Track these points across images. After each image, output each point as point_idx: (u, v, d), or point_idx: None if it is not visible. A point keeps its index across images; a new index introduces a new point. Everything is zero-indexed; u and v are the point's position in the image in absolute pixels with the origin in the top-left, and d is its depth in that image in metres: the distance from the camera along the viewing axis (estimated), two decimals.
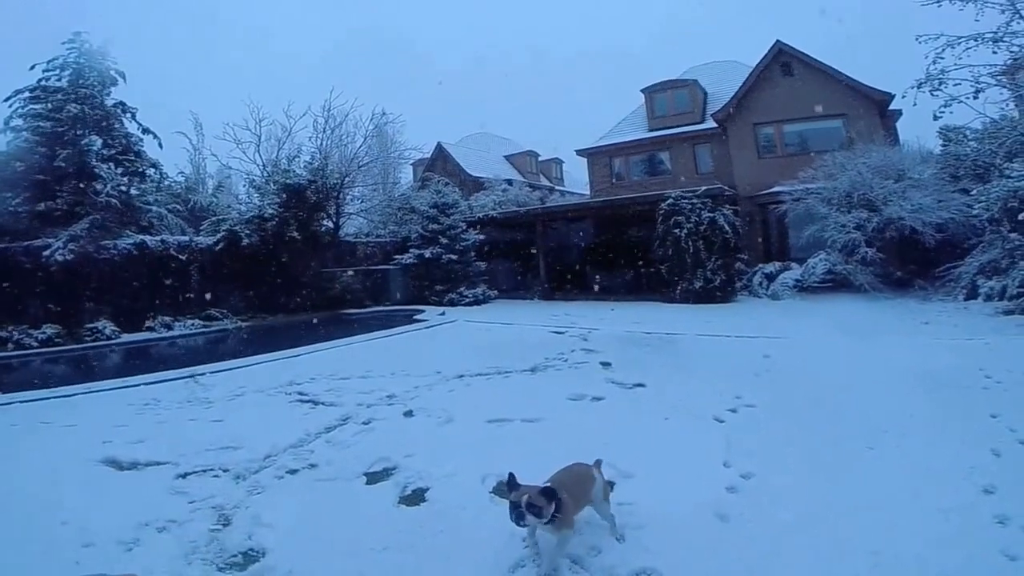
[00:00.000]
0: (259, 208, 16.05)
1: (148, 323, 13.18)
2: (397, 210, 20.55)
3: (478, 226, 18.34)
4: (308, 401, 5.91)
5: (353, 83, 50.83)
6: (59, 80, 14.99)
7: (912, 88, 10.58)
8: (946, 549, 2.69)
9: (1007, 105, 11.62)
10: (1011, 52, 10.49)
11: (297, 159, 18.76)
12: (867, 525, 2.93)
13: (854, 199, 13.62)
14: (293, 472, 4.01)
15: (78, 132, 14.27)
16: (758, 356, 7.20)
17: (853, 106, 16.75)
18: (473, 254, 17.70)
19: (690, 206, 14.23)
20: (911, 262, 13.69)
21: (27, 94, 14.76)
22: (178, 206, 18.70)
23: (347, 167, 19.86)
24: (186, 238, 15.72)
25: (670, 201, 14.53)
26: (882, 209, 13.09)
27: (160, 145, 17.05)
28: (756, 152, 18.55)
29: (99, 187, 13.93)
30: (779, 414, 4.84)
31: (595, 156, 23.04)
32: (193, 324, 13.70)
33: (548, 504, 2.54)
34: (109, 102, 15.78)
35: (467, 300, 16.30)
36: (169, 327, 13.29)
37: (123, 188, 14.84)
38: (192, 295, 14.56)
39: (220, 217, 16.59)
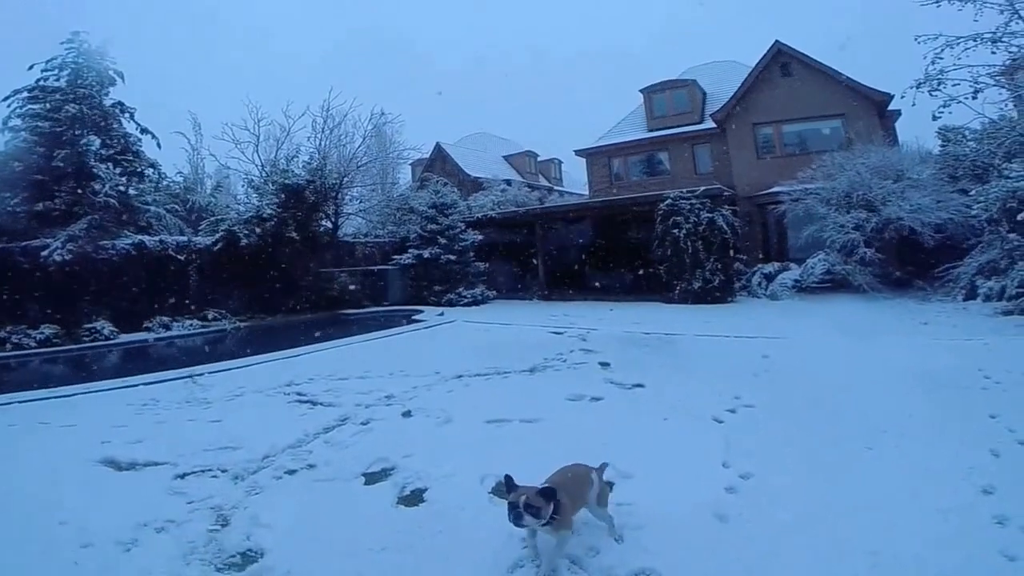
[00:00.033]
0: (257, 208, 16.02)
1: (146, 323, 13.16)
2: (396, 210, 20.54)
3: (477, 226, 18.32)
4: (307, 401, 5.91)
5: (353, 83, 50.82)
6: (58, 80, 14.97)
7: (911, 88, 10.61)
8: (945, 549, 2.69)
9: (1006, 105, 11.64)
10: (1010, 52, 10.51)
11: (296, 159, 18.74)
12: (866, 525, 2.93)
13: (853, 199, 13.63)
14: (291, 472, 4.00)
15: (76, 132, 14.26)
16: (757, 356, 7.20)
17: (852, 106, 16.79)
18: (472, 254, 17.68)
19: (689, 206, 14.23)
20: (910, 262, 13.71)
21: (25, 94, 14.74)
22: (176, 206, 18.70)
23: (346, 167, 19.83)
24: (184, 238, 15.70)
25: (669, 201, 14.54)
26: (881, 209, 13.10)
27: (158, 145, 17.06)
28: (755, 152, 18.58)
29: (97, 187, 13.91)
30: (778, 414, 4.84)
31: (594, 156, 23.05)
32: (191, 324, 13.68)
33: (546, 505, 2.54)
34: (108, 102, 15.76)
35: (466, 300, 16.29)
36: (167, 327, 13.27)
37: (121, 188, 14.82)
38: (190, 295, 14.54)
39: (218, 217, 16.58)
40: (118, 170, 14.96)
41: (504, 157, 33.10)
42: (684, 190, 14.95)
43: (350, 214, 21.14)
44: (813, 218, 14.09)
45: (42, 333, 11.62)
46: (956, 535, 2.82)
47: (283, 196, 16.02)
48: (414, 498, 3.53)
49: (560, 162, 34.79)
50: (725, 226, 14.09)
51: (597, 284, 17.02)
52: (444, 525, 3.12)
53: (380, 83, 41.74)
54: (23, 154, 13.99)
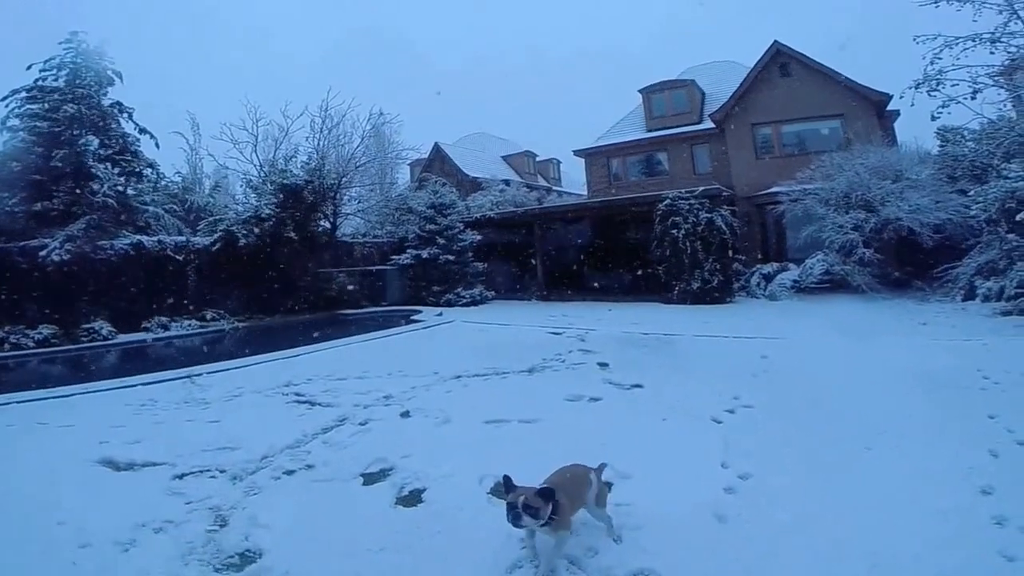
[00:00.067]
0: (256, 208, 16.00)
1: (145, 323, 13.13)
2: (394, 210, 20.52)
3: (475, 227, 18.32)
4: (305, 402, 5.90)
5: (352, 83, 50.77)
6: (56, 80, 14.92)
7: (910, 88, 10.64)
8: (944, 550, 2.69)
9: (1005, 106, 11.67)
10: (1008, 53, 10.53)
11: (294, 159, 18.70)
12: (865, 526, 2.92)
13: (852, 200, 13.64)
14: (290, 473, 4.00)
15: (75, 132, 14.22)
16: (756, 357, 7.20)
17: (851, 107, 16.80)
18: (470, 255, 17.68)
19: (688, 207, 14.23)
20: (909, 263, 13.72)
21: (24, 94, 14.68)
22: (175, 206, 18.67)
23: (344, 167, 19.80)
24: (183, 238, 15.67)
25: (668, 202, 14.54)
26: (880, 210, 13.11)
27: (157, 145, 16.98)
28: (754, 152, 18.59)
29: (96, 187, 13.88)
30: (777, 415, 4.84)
31: (593, 156, 23.06)
32: (190, 324, 13.66)
33: (545, 505, 2.53)
34: (106, 102, 15.69)
35: (464, 301, 16.28)
36: (166, 327, 13.25)
37: (120, 188, 14.78)
38: (189, 296, 14.51)
39: (217, 217, 16.54)
40: (116, 170, 14.91)
41: (503, 157, 33.09)
42: (683, 190, 14.96)
43: (348, 214, 21.12)
44: (812, 218, 14.11)
45: (40, 333, 11.60)
46: (955, 536, 2.82)
47: (281, 196, 16.00)
48: (412, 498, 3.53)
49: (559, 162, 34.79)
50: (724, 226, 14.09)
51: (596, 284, 17.02)
52: (443, 525, 3.11)
53: (379, 83, 41.83)
54: (21, 154, 13.95)
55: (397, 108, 36.59)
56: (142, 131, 16.38)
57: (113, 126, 15.83)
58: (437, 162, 28.97)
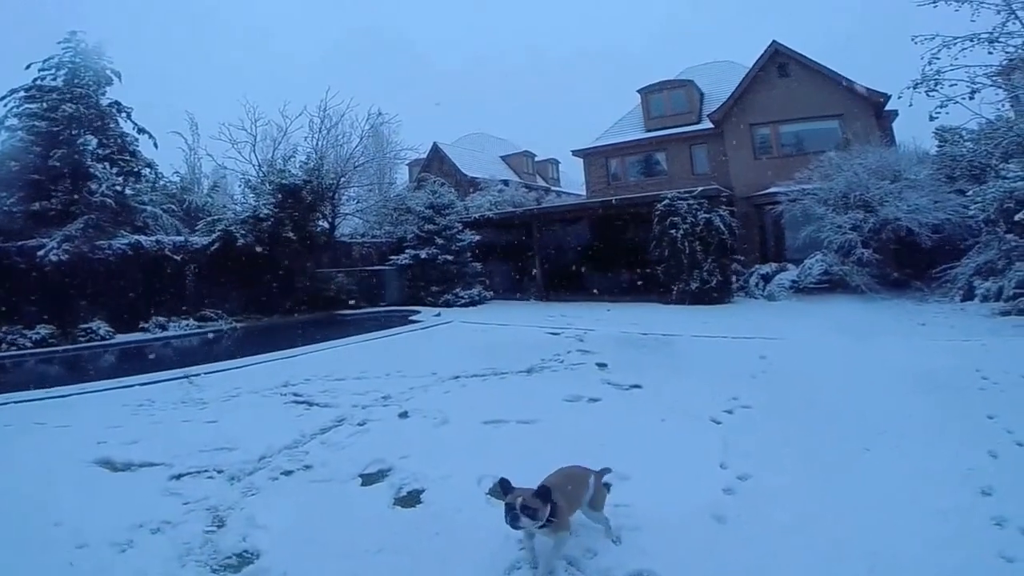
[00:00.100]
0: (254, 208, 15.96)
1: (143, 324, 13.11)
2: (393, 210, 20.49)
3: (474, 227, 18.31)
4: (303, 402, 5.89)
5: (352, 83, 50.70)
6: (54, 79, 14.88)
7: (908, 89, 10.65)
8: (944, 550, 2.69)
9: (1003, 106, 11.71)
10: (1007, 53, 10.54)
11: (293, 159, 18.67)
12: (865, 526, 2.92)
13: (850, 200, 13.65)
14: (288, 473, 3.99)
15: (73, 132, 14.19)
16: (754, 357, 7.20)
17: (849, 107, 16.82)
18: (469, 255, 17.66)
19: (686, 207, 14.23)
20: (907, 263, 13.73)
21: (22, 93, 14.65)
22: (173, 206, 18.63)
23: (343, 167, 19.78)
24: (181, 238, 15.63)
25: (666, 202, 14.54)
26: (878, 210, 13.13)
27: (155, 145, 16.93)
28: (752, 153, 18.60)
29: (94, 187, 13.85)
30: (776, 415, 4.84)
31: (591, 157, 23.06)
32: (188, 325, 13.64)
33: (543, 506, 2.53)
34: (104, 102, 15.66)
35: (463, 301, 16.26)
36: (164, 328, 13.23)
37: (118, 188, 14.75)
38: (187, 296, 14.49)
39: (215, 217, 16.50)
40: (115, 170, 14.88)
41: (501, 157, 33.08)
42: (681, 190, 14.95)
43: (347, 214, 21.10)
44: (810, 219, 14.11)
45: (38, 333, 11.57)
46: (955, 536, 2.81)
47: (280, 196, 15.96)
48: (411, 499, 3.52)
49: (557, 162, 34.79)
50: (722, 227, 14.09)
51: (594, 285, 17.00)
52: (441, 526, 3.10)
53: (379, 83, 41.77)
54: (19, 153, 13.91)
55: (396, 108, 36.63)
56: (140, 131, 16.35)
57: (111, 126, 15.79)
58: (436, 162, 28.96)
